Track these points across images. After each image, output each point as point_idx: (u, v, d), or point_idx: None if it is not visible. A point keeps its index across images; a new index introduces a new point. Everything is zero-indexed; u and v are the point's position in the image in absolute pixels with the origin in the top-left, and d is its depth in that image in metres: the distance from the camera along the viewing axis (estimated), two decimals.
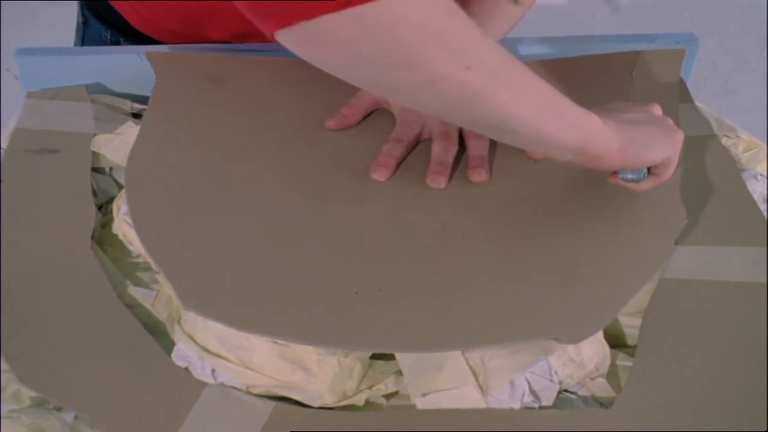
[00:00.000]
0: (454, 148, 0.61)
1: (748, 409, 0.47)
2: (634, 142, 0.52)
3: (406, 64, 0.44)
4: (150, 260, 0.53)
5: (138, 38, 0.77)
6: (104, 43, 0.79)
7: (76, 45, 0.82)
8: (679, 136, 0.53)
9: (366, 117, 0.66)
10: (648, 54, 0.73)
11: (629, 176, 0.54)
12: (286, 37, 0.44)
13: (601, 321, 0.49)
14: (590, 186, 0.58)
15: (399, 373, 0.49)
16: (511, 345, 0.48)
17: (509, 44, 0.72)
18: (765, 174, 0.64)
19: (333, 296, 0.50)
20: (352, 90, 0.63)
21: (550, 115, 0.49)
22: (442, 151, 0.60)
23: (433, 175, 0.59)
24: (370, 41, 0.42)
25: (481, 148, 0.61)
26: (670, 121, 0.54)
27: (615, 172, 0.54)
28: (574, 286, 0.51)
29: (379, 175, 0.59)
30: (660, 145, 0.52)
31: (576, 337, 0.48)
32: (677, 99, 0.69)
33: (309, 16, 0.41)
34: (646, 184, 0.55)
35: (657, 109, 0.55)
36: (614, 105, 0.55)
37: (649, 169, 0.54)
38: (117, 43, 0.79)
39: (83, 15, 0.81)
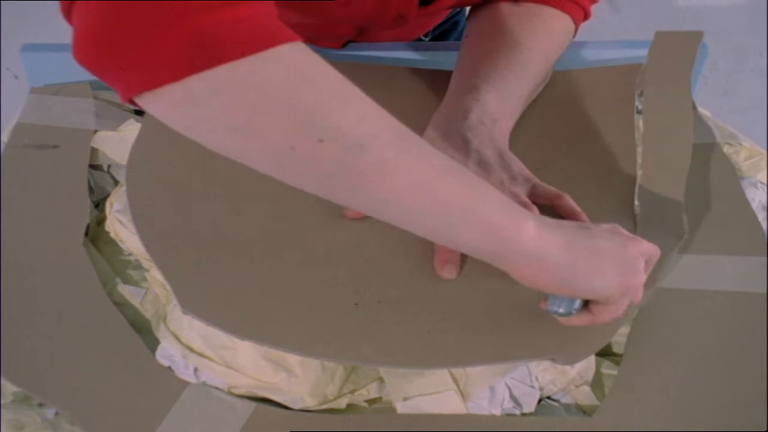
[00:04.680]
0: None
1: (732, 423, 0.44)
2: (573, 269, 0.42)
3: (240, 130, 0.36)
4: (151, 260, 0.50)
5: None
6: None
7: None
8: (638, 282, 0.43)
9: None
10: (663, 35, 0.66)
11: (557, 309, 0.44)
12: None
13: (597, 343, 0.47)
14: (593, 209, 0.53)
15: (383, 379, 0.47)
16: (508, 364, 0.46)
17: None
18: (765, 182, 0.61)
19: (332, 306, 0.47)
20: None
21: (449, 211, 0.39)
22: None
23: None
24: (197, 106, 0.35)
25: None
26: (640, 265, 0.43)
27: (546, 298, 0.45)
28: None
29: (449, 273, 0.49)
30: (605, 281, 0.42)
31: (572, 358, 0.45)
32: (689, 89, 0.63)
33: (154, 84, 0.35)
34: (577, 320, 0.45)
35: (637, 248, 0.44)
36: (600, 228, 0.44)
37: (588, 302, 0.44)
38: None
39: None
